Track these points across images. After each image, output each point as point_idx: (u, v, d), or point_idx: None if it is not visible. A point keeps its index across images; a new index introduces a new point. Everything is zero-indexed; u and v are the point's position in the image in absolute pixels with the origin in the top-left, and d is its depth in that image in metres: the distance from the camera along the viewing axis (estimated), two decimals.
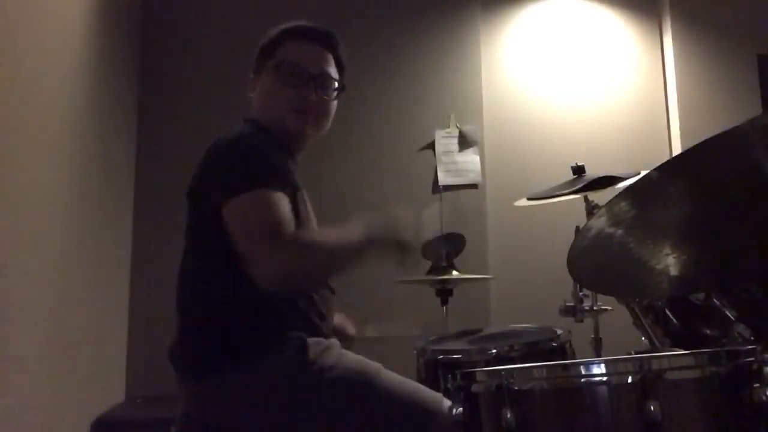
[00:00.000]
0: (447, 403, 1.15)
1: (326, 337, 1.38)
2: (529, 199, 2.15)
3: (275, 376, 1.28)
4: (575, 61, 3.43)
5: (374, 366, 1.34)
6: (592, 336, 1.96)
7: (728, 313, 1.35)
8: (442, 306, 2.18)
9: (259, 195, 1.25)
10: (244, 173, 1.29)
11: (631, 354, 1.31)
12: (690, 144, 1.05)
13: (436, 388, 1.35)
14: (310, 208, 1.49)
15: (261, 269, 1.22)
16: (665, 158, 1.14)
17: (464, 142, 3.22)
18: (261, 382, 1.27)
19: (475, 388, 1.00)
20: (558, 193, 2.02)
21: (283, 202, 1.27)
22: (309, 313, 1.36)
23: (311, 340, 1.31)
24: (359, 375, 1.31)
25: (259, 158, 1.32)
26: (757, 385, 0.87)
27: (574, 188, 1.97)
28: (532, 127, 3.33)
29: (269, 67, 1.49)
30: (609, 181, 1.93)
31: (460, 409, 1.00)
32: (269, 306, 1.31)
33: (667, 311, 1.51)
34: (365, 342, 1.50)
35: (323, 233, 1.35)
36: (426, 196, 3.17)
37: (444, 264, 2.10)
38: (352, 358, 1.35)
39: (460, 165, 3.20)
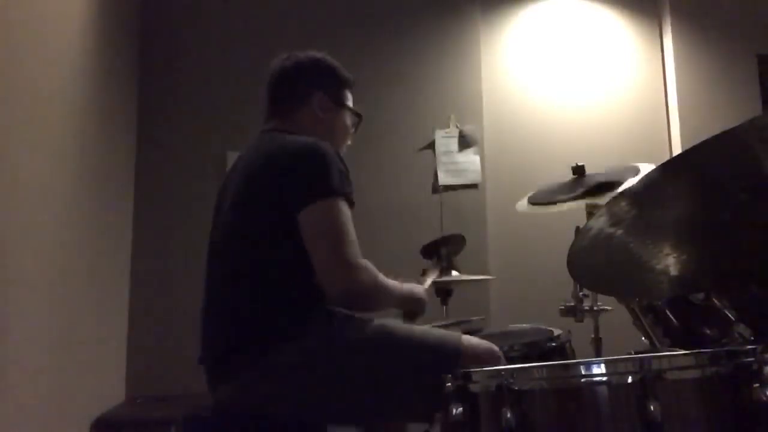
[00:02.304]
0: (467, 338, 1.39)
1: None
2: (531, 204, 2.14)
3: (310, 350, 1.35)
4: (575, 61, 3.43)
5: (396, 321, 1.45)
6: (592, 336, 1.96)
7: (728, 313, 1.35)
8: (442, 306, 2.17)
9: (340, 204, 1.38)
10: (335, 179, 1.39)
11: (631, 354, 1.31)
12: (690, 144, 1.05)
13: None
14: None
15: (333, 279, 1.34)
16: (665, 158, 1.14)
17: (464, 142, 3.22)
18: (297, 360, 1.34)
19: (474, 388, 1.00)
20: (559, 198, 2.01)
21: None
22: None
23: (336, 311, 1.41)
24: (383, 329, 1.40)
25: (342, 168, 1.43)
26: (757, 385, 0.87)
27: (576, 194, 1.96)
28: (532, 127, 3.34)
29: (346, 107, 1.69)
30: (609, 186, 1.92)
31: (460, 409, 1.00)
32: (305, 297, 1.40)
33: (667, 311, 1.51)
34: None
35: (384, 278, 1.45)
36: (426, 196, 3.17)
37: (444, 264, 2.09)
38: (375, 321, 1.44)
39: (460, 165, 3.20)
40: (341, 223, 1.36)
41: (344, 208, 1.38)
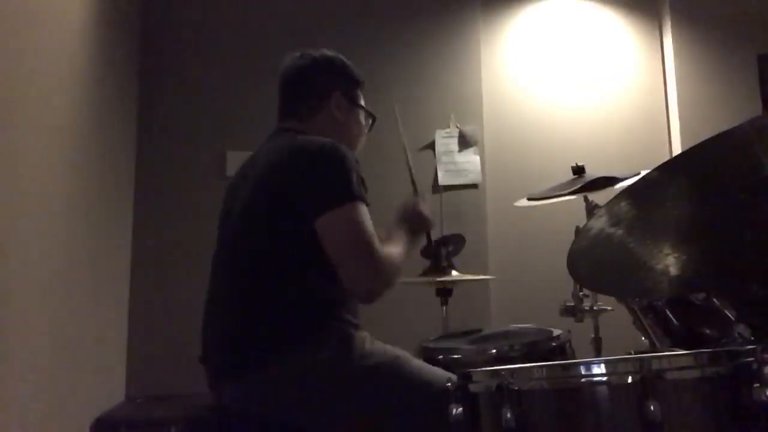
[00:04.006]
0: None
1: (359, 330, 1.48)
2: (529, 199, 2.15)
3: (322, 365, 1.34)
4: (575, 61, 3.43)
5: (405, 352, 1.44)
6: (592, 336, 1.96)
7: (728, 313, 1.35)
8: (442, 306, 2.17)
9: (360, 208, 1.37)
10: (355, 183, 1.39)
11: (631, 354, 1.31)
12: (690, 144, 1.05)
13: None
14: None
15: (363, 285, 1.35)
16: (665, 158, 1.15)
17: (464, 142, 3.22)
18: (309, 371, 1.34)
19: (474, 388, 1.00)
20: (558, 193, 2.02)
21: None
22: (346, 311, 1.45)
23: (353, 332, 1.41)
24: (395, 360, 1.40)
25: (359, 172, 1.43)
26: (757, 385, 0.87)
27: (574, 188, 1.97)
28: (532, 127, 3.34)
29: (360, 106, 1.69)
30: (608, 181, 1.92)
31: (460, 409, 1.00)
32: (316, 302, 1.40)
33: (667, 311, 1.51)
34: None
35: (390, 248, 1.44)
36: (426, 196, 3.17)
37: (444, 264, 2.09)
38: (384, 346, 1.44)
39: (460, 165, 3.20)
40: (365, 227, 1.36)
41: (364, 210, 1.38)
